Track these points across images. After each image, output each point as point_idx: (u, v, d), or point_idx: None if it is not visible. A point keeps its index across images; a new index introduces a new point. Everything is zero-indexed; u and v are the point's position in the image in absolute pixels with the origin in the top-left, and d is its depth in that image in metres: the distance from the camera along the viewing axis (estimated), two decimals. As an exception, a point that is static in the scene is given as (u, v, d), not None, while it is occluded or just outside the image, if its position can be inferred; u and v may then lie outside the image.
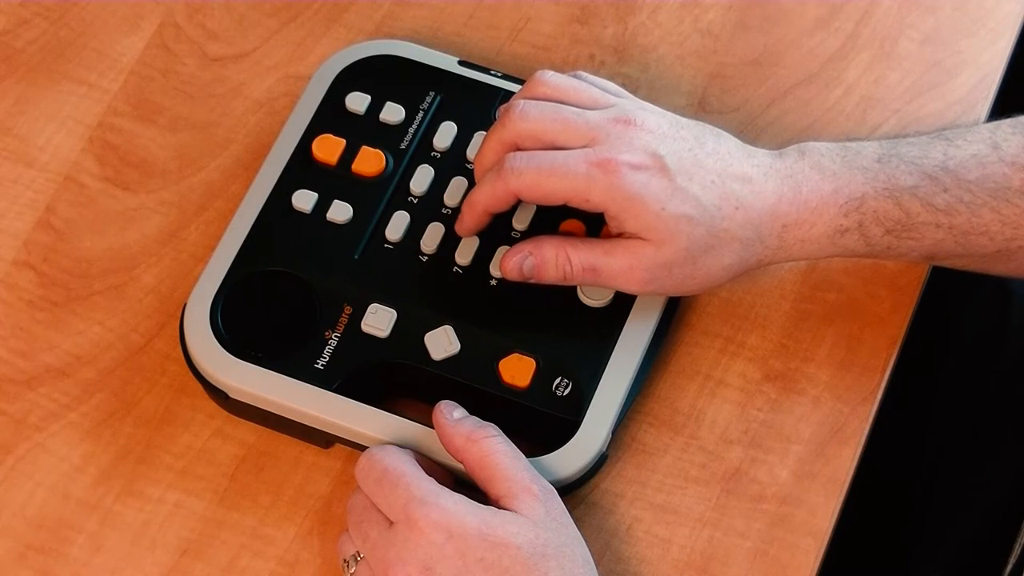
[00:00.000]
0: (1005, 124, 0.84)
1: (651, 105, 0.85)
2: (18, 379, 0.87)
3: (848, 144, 0.84)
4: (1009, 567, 0.92)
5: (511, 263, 0.83)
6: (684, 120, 0.84)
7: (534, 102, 0.83)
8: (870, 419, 0.87)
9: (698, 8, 0.98)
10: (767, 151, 0.84)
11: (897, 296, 0.90)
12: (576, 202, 0.81)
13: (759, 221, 0.82)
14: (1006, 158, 0.82)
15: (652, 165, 0.80)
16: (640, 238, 0.81)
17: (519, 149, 0.83)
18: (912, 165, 0.82)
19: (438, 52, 0.93)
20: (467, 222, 0.85)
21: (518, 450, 0.80)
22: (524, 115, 0.82)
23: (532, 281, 0.83)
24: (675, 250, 0.81)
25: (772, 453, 0.86)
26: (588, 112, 0.82)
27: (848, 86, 0.96)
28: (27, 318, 0.89)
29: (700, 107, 0.95)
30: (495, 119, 0.85)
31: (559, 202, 0.82)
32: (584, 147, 0.81)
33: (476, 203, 0.84)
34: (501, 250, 0.86)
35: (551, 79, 0.84)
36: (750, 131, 0.94)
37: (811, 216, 0.82)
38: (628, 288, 0.83)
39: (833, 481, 0.85)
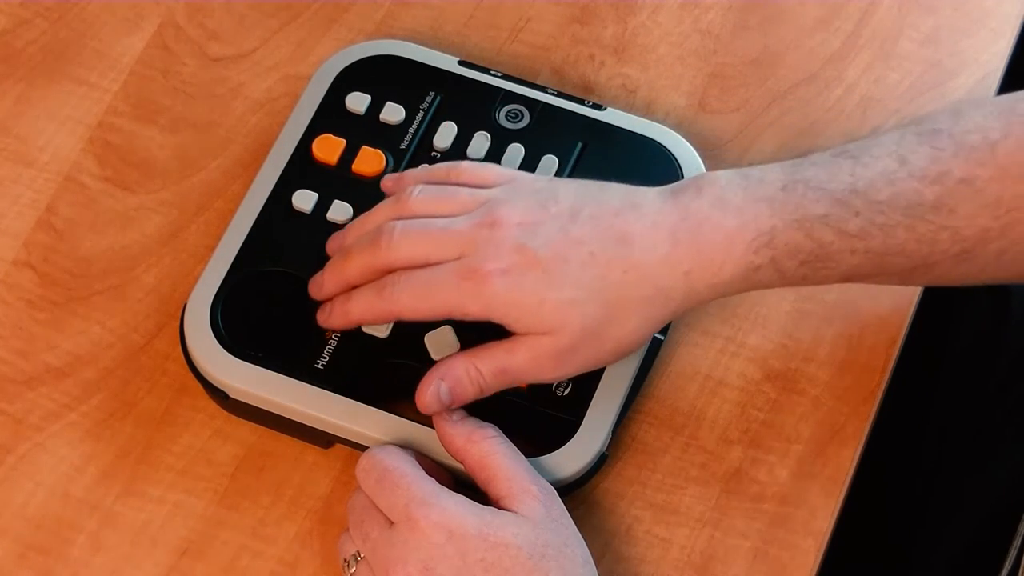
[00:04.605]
0: (910, 133, 0.80)
1: (524, 182, 0.82)
2: (18, 379, 0.87)
3: (750, 172, 0.80)
4: (1006, 569, 0.92)
5: (427, 397, 0.80)
6: (561, 190, 0.81)
7: (402, 226, 0.80)
8: (870, 419, 0.87)
9: (698, 8, 0.98)
10: (660, 192, 0.81)
11: (897, 296, 0.90)
12: (456, 316, 0.80)
13: (655, 275, 0.79)
14: (915, 172, 0.78)
15: (520, 262, 0.78)
16: (535, 332, 0.80)
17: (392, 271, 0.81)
18: (820, 191, 0.79)
19: (438, 52, 0.93)
20: (337, 324, 0.83)
21: (518, 451, 0.80)
22: (392, 246, 0.80)
23: (455, 406, 0.81)
24: (571, 333, 0.79)
25: (772, 453, 0.86)
26: (457, 222, 0.80)
27: (848, 86, 0.96)
28: (27, 318, 0.89)
29: (700, 107, 0.95)
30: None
31: (441, 318, 0.80)
32: (457, 258, 0.79)
33: (351, 312, 0.82)
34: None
35: (417, 200, 0.82)
36: (750, 131, 0.94)
37: (718, 257, 0.79)
38: (543, 378, 0.81)
39: (833, 481, 0.85)
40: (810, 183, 0.79)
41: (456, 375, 0.80)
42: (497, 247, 0.79)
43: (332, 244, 0.85)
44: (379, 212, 0.83)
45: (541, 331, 0.79)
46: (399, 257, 0.80)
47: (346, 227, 0.85)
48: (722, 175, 0.80)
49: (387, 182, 0.86)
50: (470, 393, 0.81)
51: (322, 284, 0.84)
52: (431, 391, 0.80)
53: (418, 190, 0.82)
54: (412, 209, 0.82)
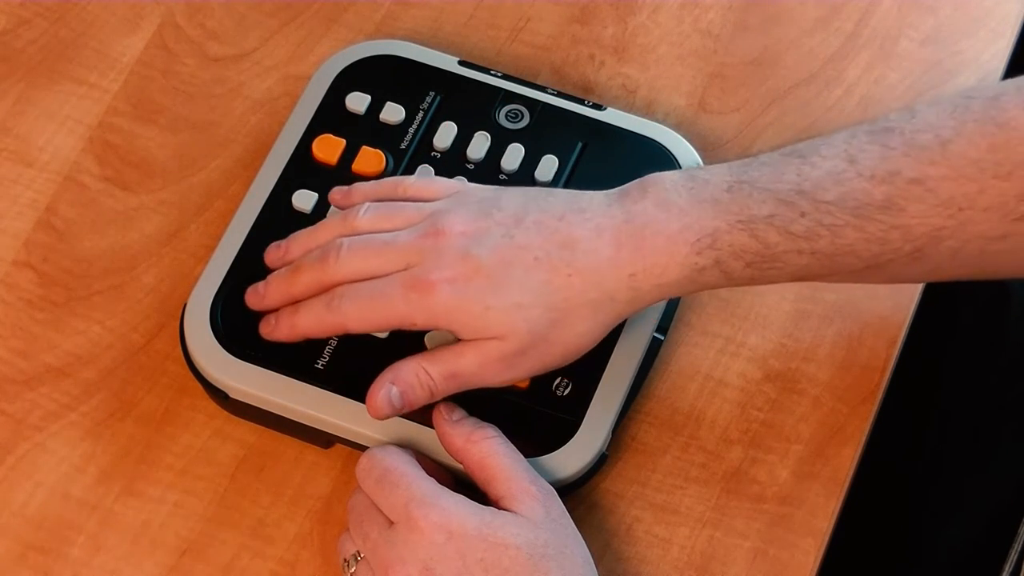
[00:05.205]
0: (862, 131, 0.79)
1: (470, 192, 0.83)
2: (18, 379, 0.87)
3: (696, 173, 0.80)
4: (1007, 570, 0.92)
5: (378, 400, 0.80)
6: (505, 197, 0.81)
7: (349, 243, 0.81)
8: (870, 419, 0.87)
9: (698, 8, 0.98)
10: (607, 195, 0.80)
11: (897, 296, 0.90)
12: (405, 327, 0.80)
13: (600, 279, 0.79)
14: (864, 172, 0.77)
15: (465, 270, 0.78)
16: (483, 338, 0.80)
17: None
18: (765, 192, 0.78)
19: (438, 52, 0.93)
20: (281, 336, 0.83)
21: (518, 451, 0.80)
22: (340, 262, 0.81)
23: (406, 410, 0.81)
24: (518, 338, 0.79)
25: (772, 453, 0.86)
26: (401, 235, 0.80)
27: (848, 86, 0.96)
28: (27, 318, 0.89)
29: (700, 107, 0.95)
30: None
31: (390, 329, 0.81)
32: (404, 269, 0.80)
33: (298, 326, 0.82)
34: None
35: (364, 218, 0.82)
36: (750, 131, 0.94)
37: (662, 259, 0.78)
38: (493, 381, 0.81)
39: (833, 481, 0.85)
40: (756, 183, 0.78)
41: (407, 379, 0.80)
42: (442, 256, 0.79)
43: (271, 255, 0.85)
44: (326, 229, 0.84)
45: (488, 335, 0.79)
46: (347, 272, 0.81)
47: (288, 240, 0.85)
48: (669, 176, 0.80)
49: (335, 195, 0.86)
50: (421, 397, 0.80)
51: (263, 295, 0.84)
52: (382, 395, 0.80)
53: (365, 208, 0.83)
54: (359, 227, 0.82)
